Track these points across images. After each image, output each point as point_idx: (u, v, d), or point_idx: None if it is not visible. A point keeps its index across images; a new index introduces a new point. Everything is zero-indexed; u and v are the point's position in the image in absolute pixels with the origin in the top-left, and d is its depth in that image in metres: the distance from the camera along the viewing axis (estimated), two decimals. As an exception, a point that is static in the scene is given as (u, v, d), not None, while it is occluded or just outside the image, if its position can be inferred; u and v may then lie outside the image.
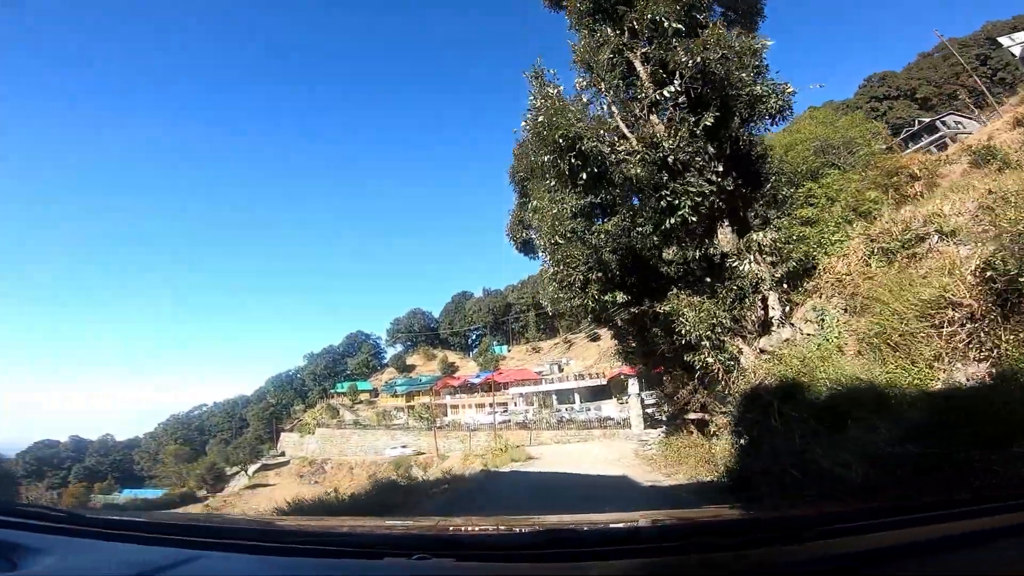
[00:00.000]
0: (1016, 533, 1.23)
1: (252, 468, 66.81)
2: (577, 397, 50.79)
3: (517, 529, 2.01)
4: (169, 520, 2.40)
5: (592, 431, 31.92)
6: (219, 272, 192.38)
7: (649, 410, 28.05)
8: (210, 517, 2.98)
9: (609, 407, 37.37)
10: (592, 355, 75.41)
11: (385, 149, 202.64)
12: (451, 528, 2.16)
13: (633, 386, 28.13)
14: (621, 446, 23.21)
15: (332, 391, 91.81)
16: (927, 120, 56.27)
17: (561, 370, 63.56)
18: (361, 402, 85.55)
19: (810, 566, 1.17)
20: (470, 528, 2.14)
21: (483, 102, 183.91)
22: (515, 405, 59.45)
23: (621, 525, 1.99)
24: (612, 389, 52.37)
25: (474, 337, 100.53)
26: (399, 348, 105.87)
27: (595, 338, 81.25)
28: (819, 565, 1.17)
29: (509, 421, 47.22)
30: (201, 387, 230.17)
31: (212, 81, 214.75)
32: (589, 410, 39.63)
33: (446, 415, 69.55)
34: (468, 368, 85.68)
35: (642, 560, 1.24)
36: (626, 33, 10.49)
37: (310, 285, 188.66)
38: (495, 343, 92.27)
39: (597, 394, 51.19)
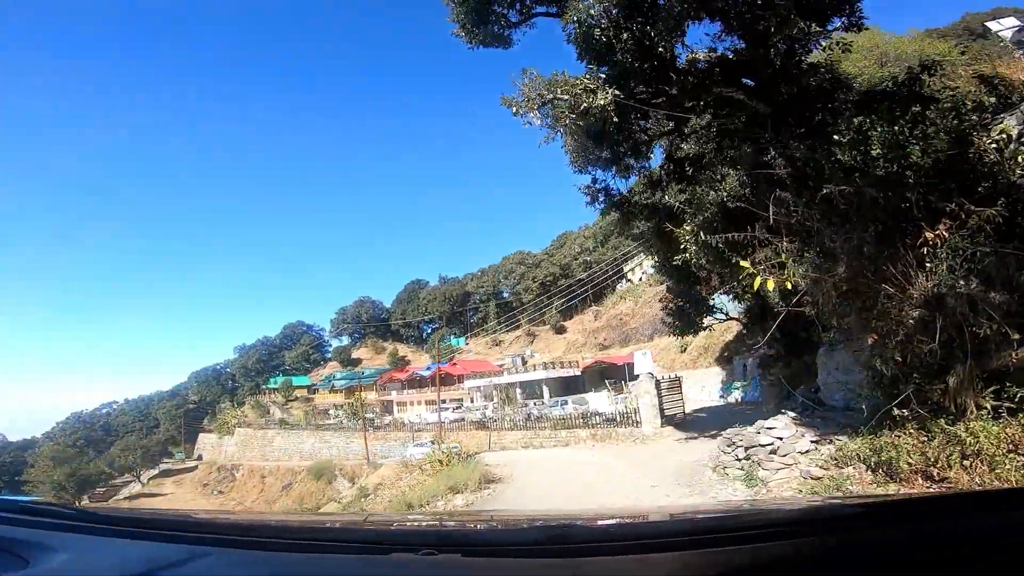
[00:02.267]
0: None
1: (150, 474, 53.63)
2: (546, 390, 41.31)
3: (524, 525, 1.92)
4: (179, 517, 2.05)
5: (575, 431, 22.32)
6: (144, 257, 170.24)
7: (668, 398, 18.76)
8: (220, 514, 2.91)
9: (598, 400, 27.67)
10: (559, 348, 67.33)
11: (336, 126, 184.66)
12: (458, 524, 2.13)
13: (643, 361, 18.73)
14: (656, 453, 13.87)
15: (264, 387, 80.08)
16: None
17: (525, 363, 53.91)
18: (296, 399, 74.60)
19: (828, 562, 1.11)
20: (477, 524, 2.09)
21: (457, 81, 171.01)
22: (472, 401, 49.48)
23: (629, 521, 1.90)
24: (587, 381, 43.28)
25: (429, 330, 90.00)
26: (346, 341, 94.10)
27: (561, 330, 73.35)
28: (836, 560, 1.11)
29: (463, 420, 37.21)
30: (124, 383, 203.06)
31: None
32: (566, 404, 30.10)
33: (392, 413, 59.34)
34: (421, 362, 75.39)
35: (651, 556, 1.16)
36: None
37: (249, 271, 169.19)
38: (451, 335, 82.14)
39: (568, 387, 42.02)
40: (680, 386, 20.24)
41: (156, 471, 55.78)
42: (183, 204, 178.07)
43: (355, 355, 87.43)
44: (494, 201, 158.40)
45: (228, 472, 48.75)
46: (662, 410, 18.23)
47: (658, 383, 18.33)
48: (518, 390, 43.09)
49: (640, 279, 64.42)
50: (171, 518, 1.92)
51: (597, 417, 22.75)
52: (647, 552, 1.16)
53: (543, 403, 36.07)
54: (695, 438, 15.73)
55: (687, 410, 21.20)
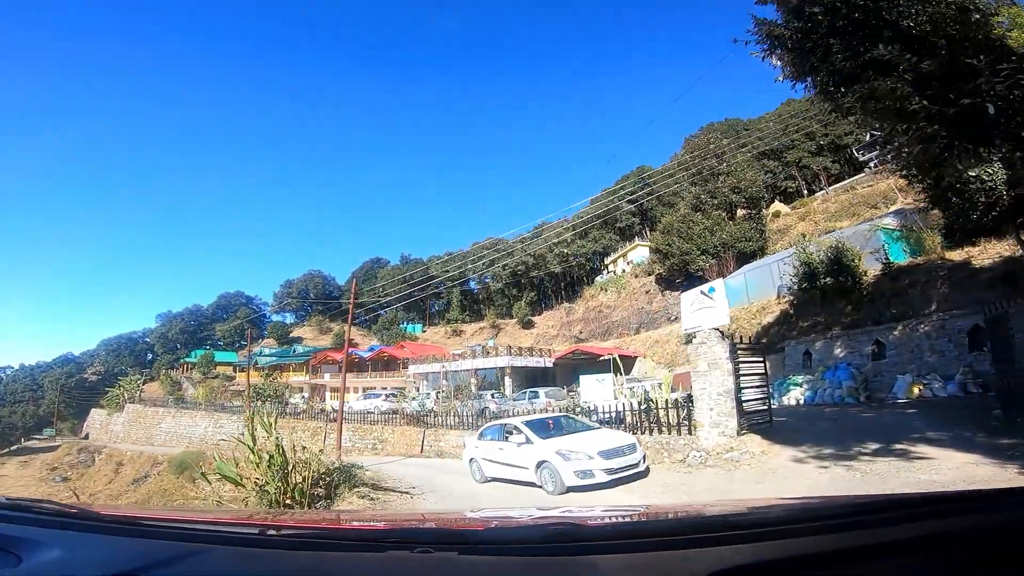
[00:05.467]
0: (1010, 529, 1.09)
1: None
2: (509, 381, 31.77)
3: (521, 523, 1.81)
4: (173, 515, 2.05)
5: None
6: (86, 218, 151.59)
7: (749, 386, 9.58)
8: (215, 512, 2.65)
9: (598, 389, 16.98)
10: (526, 342, 58.00)
11: (308, 89, 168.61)
12: (454, 522, 2.07)
13: (705, 306, 9.43)
14: None
15: (185, 360, 67.97)
16: None
17: (486, 352, 44.32)
18: (218, 376, 62.70)
19: (828, 561, 1.06)
20: (473, 522, 2.02)
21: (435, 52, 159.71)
22: (417, 390, 39.47)
23: (627, 520, 1.81)
24: (559, 376, 34.02)
25: (385, 313, 79.39)
26: (291, 319, 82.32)
27: (529, 325, 64.39)
28: (835, 559, 1.07)
29: (396, 412, 27.22)
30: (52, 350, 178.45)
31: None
32: (537, 396, 20.52)
33: (324, 398, 48.95)
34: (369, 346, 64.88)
35: (650, 554, 1.14)
36: None
37: (197, 236, 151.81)
38: (407, 321, 71.89)
39: (535, 380, 32.62)
40: (765, 362, 11.00)
41: (6, 449, 43.33)
42: (117, 156, 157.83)
43: (296, 333, 75.97)
44: (471, 185, 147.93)
45: (89, 456, 37.19)
46: (740, 405, 9.03)
47: (734, 348, 9.11)
48: (473, 380, 33.44)
49: (624, 271, 56.05)
50: (166, 516, 1.82)
51: (588, 417, 13.40)
52: (645, 551, 1.13)
53: (504, 396, 26.50)
54: (852, 459, 6.56)
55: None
